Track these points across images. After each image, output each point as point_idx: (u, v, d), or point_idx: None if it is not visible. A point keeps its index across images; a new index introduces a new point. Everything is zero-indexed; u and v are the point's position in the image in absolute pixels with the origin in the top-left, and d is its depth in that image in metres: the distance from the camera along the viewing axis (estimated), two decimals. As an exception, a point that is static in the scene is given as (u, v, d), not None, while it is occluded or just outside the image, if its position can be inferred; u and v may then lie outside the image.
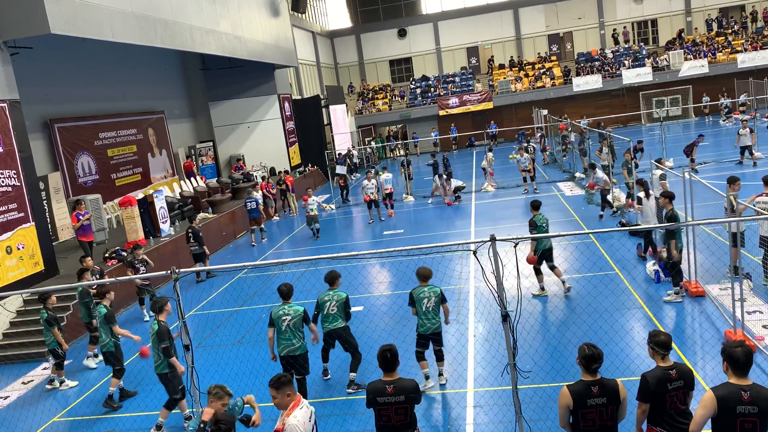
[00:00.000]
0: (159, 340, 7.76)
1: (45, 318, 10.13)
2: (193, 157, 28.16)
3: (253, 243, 19.75)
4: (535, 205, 11.93)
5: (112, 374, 9.21)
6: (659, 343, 5.03)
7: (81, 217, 14.51)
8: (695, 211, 10.27)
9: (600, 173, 17.70)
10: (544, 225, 11.64)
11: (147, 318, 13.21)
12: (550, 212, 18.86)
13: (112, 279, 10.03)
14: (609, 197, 17.44)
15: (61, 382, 10.44)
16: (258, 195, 21.01)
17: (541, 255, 11.31)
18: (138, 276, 8.79)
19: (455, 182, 22.85)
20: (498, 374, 7.87)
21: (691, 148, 22.04)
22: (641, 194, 12.94)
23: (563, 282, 11.36)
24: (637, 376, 5.17)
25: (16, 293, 11.47)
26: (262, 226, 20.16)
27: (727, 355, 4.47)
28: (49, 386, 10.44)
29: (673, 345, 8.57)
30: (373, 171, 22.19)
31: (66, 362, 10.55)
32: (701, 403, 4.49)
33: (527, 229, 16.93)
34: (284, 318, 7.96)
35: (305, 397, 8.07)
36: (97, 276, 12.26)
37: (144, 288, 13.11)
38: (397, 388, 5.42)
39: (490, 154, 25.16)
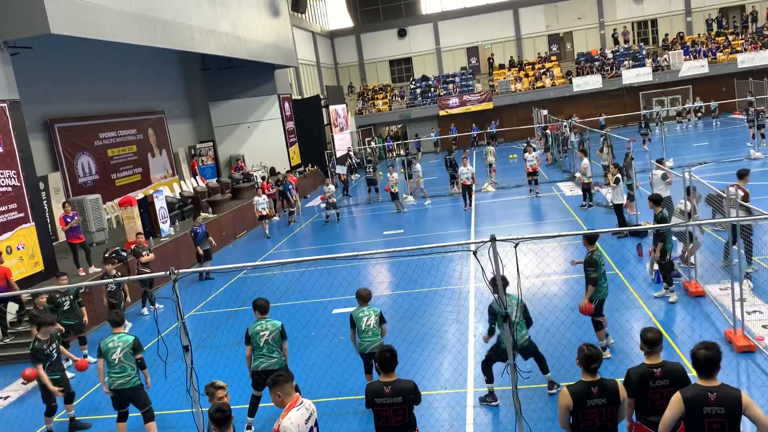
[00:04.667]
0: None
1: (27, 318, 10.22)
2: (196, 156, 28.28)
3: (293, 221, 22.69)
4: (590, 239, 8.74)
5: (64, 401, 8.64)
6: (644, 340, 5.09)
7: (69, 220, 13.86)
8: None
9: (585, 161, 18.42)
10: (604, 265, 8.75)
11: (146, 312, 13.48)
12: (550, 212, 18.94)
13: (112, 279, 10.04)
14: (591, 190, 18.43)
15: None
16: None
17: (600, 304, 8.76)
18: (140, 277, 8.78)
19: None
20: (498, 374, 7.86)
21: None
22: (618, 175, 15.04)
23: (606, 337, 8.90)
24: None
25: (16, 293, 11.47)
26: (294, 209, 23.23)
27: (691, 356, 4.56)
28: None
29: (673, 345, 8.64)
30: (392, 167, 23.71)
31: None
32: (669, 404, 4.55)
33: (528, 229, 17.11)
34: (262, 333, 7.71)
35: None
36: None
37: (146, 290, 13.20)
38: (394, 389, 5.39)
39: (492, 148, 25.52)
